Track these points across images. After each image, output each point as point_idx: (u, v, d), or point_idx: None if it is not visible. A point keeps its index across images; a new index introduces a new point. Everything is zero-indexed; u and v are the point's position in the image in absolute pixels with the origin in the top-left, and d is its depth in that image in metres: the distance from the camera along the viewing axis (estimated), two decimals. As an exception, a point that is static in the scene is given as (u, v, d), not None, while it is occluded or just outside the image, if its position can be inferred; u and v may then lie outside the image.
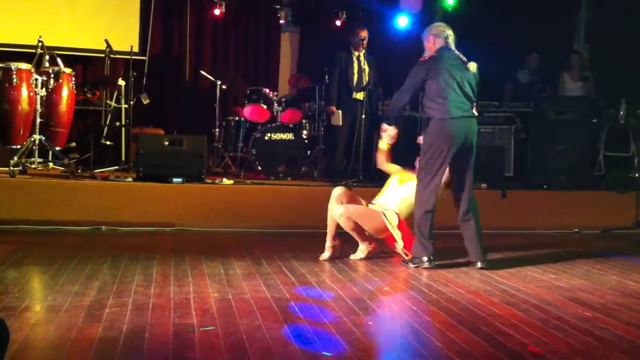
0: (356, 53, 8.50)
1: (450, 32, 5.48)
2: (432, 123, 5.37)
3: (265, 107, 8.53)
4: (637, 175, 8.55)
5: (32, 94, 7.51)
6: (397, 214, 5.57)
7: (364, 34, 8.43)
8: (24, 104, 7.58)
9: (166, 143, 7.31)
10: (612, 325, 3.87)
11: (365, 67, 8.52)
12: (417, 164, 5.56)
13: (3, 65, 7.60)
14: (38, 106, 7.38)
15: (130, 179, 7.10)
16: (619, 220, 7.67)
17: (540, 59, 9.78)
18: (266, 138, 8.21)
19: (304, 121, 8.78)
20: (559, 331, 3.71)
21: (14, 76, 7.51)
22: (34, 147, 7.30)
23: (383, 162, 5.99)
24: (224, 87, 8.95)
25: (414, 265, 5.36)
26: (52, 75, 7.74)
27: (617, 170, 8.66)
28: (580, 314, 4.09)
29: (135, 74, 8.58)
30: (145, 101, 8.69)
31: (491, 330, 3.68)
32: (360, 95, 8.45)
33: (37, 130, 7.33)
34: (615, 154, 8.84)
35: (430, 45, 5.51)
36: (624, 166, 8.75)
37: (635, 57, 9.50)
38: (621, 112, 8.70)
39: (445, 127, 5.31)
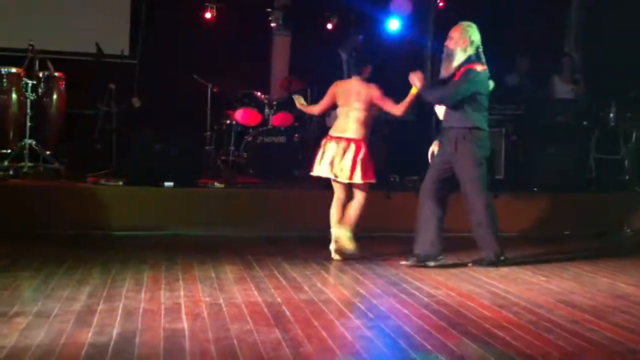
0: (345, 57, 8.53)
1: None
2: (479, 134, 5.49)
3: (256, 110, 8.53)
4: (627, 177, 8.59)
5: (22, 98, 7.48)
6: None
7: (358, 39, 8.52)
8: (14, 108, 7.55)
9: (157, 147, 7.30)
10: (602, 327, 3.88)
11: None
12: None
13: (-7, 69, 7.58)
14: (28, 110, 7.36)
15: (121, 183, 7.08)
16: (609, 222, 7.70)
17: (530, 63, 9.80)
18: (258, 141, 8.21)
19: (295, 124, 8.78)
20: (549, 334, 3.72)
21: (5, 80, 7.49)
22: (25, 151, 7.28)
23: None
24: (215, 90, 8.94)
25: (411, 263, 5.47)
26: (42, 79, 7.72)
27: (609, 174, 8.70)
28: (571, 317, 4.10)
29: (126, 77, 8.56)
30: (136, 105, 8.67)
31: (482, 333, 3.68)
32: None
33: (28, 134, 7.31)
34: (606, 157, 8.87)
35: (462, 47, 5.52)
36: (614, 168, 8.79)
37: (625, 60, 9.55)
38: (611, 115, 8.74)
39: (488, 139, 5.62)
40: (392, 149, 8.67)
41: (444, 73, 5.56)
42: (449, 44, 5.55)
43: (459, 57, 5.49)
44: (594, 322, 3.99)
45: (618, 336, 3.71)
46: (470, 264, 5.58)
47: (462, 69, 5.46)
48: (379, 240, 6.80)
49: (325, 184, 6.04)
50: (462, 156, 5.46)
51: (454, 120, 5.51)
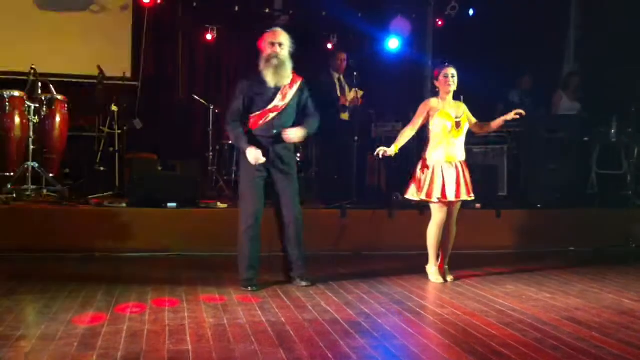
0: (336, 75, 8.57)
1: None
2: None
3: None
4: (630, 192, 8.58)
5: (25, 121, 7.51)
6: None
7: (343, 56, 8.54)
8: (17, 131, 7.57)
9: (160, 168, 7.32)
10: (608, 344, 3.86)
11: (346, 87, 8.55)
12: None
13: (-5, 93, 7.60)
14: (31, 133, 7.38)
15: (124, 205, 7.07)
16: (612, 237, 7.69)
17: (532, 81, 9.83)
18: (260, 161, 8.19)
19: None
20: (555, 351, 3.70)
21: (7, 104, 7.52)
22: (28, 174, 7.29)
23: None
24: (216, 110, 8.97)
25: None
26: (44, 102, 7.75)
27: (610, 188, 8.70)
28: (577, 334, 4.08)
29: (128, 99, 8.61)
30: (139, 126, 8.70)
31: (488, 352, 3.67)
32: (345, 116, 8.47)
33: (31, 157, 7.32)
34: (608, 172, 8.87)
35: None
36: (616, 184, 8.78)
37: (624, 75, 9.57)
38: (612, 130, 8.75)
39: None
40: (393, 166, 8.68)
41: (279, 82, 5.27)
42: (282, 50, 5.29)
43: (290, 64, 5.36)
44: (600, 339, 3.98)
45: (624, 353, 3.70)
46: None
47: (299, 78, 5.43)
48: (382, 258, 6.79)
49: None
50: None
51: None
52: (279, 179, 5.30)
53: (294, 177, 5.39)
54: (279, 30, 5.38)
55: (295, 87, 5.34)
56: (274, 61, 5.21)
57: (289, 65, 5.30)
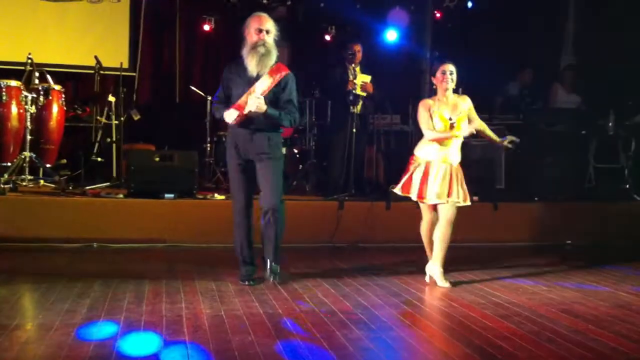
0: (351, 67, 8.53)
1: None
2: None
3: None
4: (627, 186, 8.59)
5: (21, 111, 7.49)
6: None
7: (358, 47, 8.46)
8: (13, 121, 7.55)
9: (157, 159, 7.29)
10: (605, 337, 3.87)
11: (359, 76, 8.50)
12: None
13: (-8, 82, 7.59)
14: (28, 123, 7.36)
15: (121, 196, 7.07)
16: (610, 231, 7.70)
17: (533, 74, 9.81)
18: (257, 153, 8.18)
19: (295, 135, 8.78)
20: (551, 344, 3.71)
21: (4, 93, 7.48)
22: (25, 165, 7.28)
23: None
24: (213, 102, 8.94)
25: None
26: (41, 92, 7.73)
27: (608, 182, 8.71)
28: (573, 326, 4.09)
29: (125, 90, 8.59)
30: (136, 117, 8.68)
31: (484, 344, 3.67)
32: (357, 109, 8.43)
33: (28, 147, 7.31)
34: (605, 166, 8.87)
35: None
36: (614, 177, 8.78)
37: (622, 69, 9.57)
38: (610, 124, 8.75)
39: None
40: (390, 159, 8.67)
41: (261, 70, 5.00)
42: (268, 38, 5.00)
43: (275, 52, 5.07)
44: (596, 331, 3.99)
45: (620, 346, 3.71)
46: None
47: (286, 70, 5.12)
48: (379, 250, 6.79)
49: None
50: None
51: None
52: (259, 168, 5.03)
53: (277, 167, 5.06)
54: (264, 15, 5.11)
55: (277, 77, 5.04)
56: (261, 49, 4.96)
57: (274, 54, 5.03)
